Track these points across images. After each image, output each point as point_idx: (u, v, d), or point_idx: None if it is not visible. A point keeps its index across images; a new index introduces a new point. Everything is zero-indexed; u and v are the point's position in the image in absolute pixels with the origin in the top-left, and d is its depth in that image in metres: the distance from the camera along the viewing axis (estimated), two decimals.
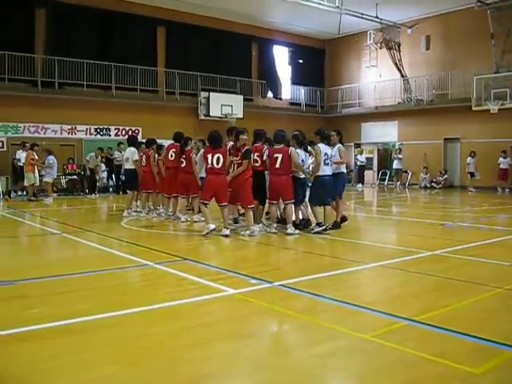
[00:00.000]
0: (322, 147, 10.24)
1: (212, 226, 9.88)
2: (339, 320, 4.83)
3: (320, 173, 10.20)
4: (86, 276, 6.71)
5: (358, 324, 4.72)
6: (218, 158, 9.81)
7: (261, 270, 6.99)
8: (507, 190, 22.95)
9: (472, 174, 24.11)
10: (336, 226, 10.80)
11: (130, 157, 13.26)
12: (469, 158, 24.22)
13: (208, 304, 5.36)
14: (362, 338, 4.30)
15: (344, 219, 11.22)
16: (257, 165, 10.48)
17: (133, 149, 13.35)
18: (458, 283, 6.27)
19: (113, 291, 5.99)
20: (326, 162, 10.23)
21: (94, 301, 5.55)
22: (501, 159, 23.17)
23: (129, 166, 13.40)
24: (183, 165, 11.98)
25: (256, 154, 10.49)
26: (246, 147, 10.37)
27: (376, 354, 4.06)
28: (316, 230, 10.35)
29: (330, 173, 10.34)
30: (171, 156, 12.37)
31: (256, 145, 10.65)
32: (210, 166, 9.87)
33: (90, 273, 6.86)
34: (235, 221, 11.49)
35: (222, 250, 9.10)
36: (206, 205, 10.01)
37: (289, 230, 10.17)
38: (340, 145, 10.84)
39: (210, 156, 9.86)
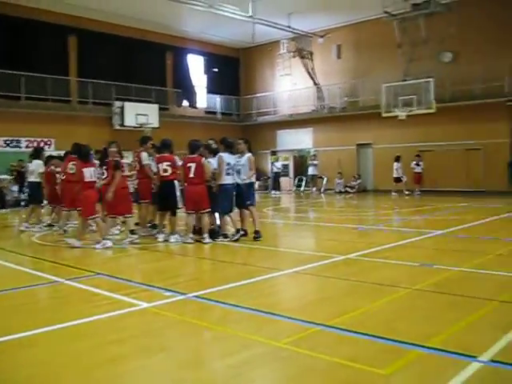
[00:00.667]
0: (226, 156, 10.34)
1: (109, 244, 9.90)
2: (254, 329, 4.84)
3: (222, 182, 10.30)
4: None
5: (273, 332, 4.74)
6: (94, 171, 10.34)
7: (175, 281, 6.92)
8: (418, 192, 23.74)
9: (398, 179, 23.96)
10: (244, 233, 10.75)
11: (35, 169, 12.85)
12: (395, 164, 24.06)
13: (121, 319, 5.24)
14: (276, 346, 4.33)
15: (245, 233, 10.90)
16: (166, 174, 10.46)
17: (38, 161, 12.93)
18: (369, 286, 6.44)
19: (24, 310, 5.76)
20: (228, 171, 10.34)
21: (5, 321, 5.34)
22: (414, 163, 23.90)
23: (33, 178, 12.97)
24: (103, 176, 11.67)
25: (165, 164, 10.45)
26: (116, 159, 10.51)
27: (290, 361, 4.10)
28: (233, 238, 10.44)
29: (232, 182, 10.45)
30: (71, 169, 11.73)
31: (164, 154, 10.62)
32: (88, 179, 10.12)
33: None
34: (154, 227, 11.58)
35: (136, 263, 8.93)
36: (97, 218, 10.21)
37: (206, 240, 10.15)
38: (249, 154, 10.85)
39: (85, 170, 10.12)
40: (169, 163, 10.47)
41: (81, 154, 10.40)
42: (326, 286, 6.64)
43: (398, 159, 24.13)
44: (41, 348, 4.52)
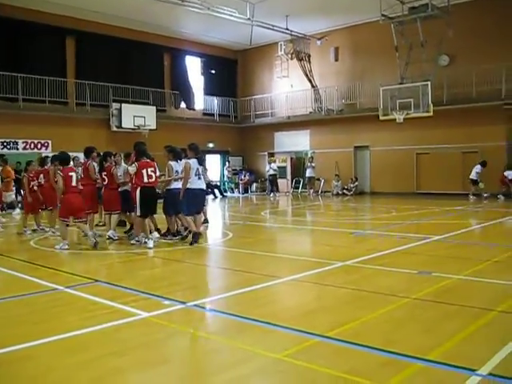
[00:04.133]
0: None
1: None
2: (253, 340, 4.84)
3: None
4: None
5: (272, 343, 4.74)
6: None
7: (174, 289, 6.92)
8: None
9: (476, 182, 22.46)
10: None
11: None
12: (478, 167, 22.31)
13: (120, 330, 5.22)
14: (275, 359, 4.33)
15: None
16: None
17: None
18: (368, 295, 6.45)
19: (21, 320, 5.73)
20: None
21: (1, 332, 5.30)
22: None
23: None
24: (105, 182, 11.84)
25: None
26: None
27: (289, 374, 4.11)
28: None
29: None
30: None
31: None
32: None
33: None
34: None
35: (133, 269, 8.88)
36: None
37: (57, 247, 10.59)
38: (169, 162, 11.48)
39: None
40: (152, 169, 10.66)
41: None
42: (325, 295, 6.65)
43: (484, 164, 22.30)
44: (38, 361, 4.47)
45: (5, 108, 22.41)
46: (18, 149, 22.78)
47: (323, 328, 5.05)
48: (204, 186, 11.21)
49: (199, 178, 10.88)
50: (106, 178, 11.72)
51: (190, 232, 11.13)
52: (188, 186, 10.73)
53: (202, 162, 11.21)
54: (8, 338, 5.05)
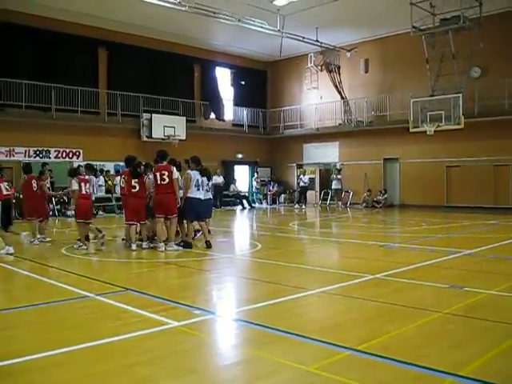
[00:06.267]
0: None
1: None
2: (283, 352, 4.81)
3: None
4: (22, 311, 6.48)
5: (302, 356, 4.71)
6: None
7: (203, 299, 6.94)
8: None
9: None
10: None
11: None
12: None
13: (151, 338, 5.25)
14: (305, 371, 4.30)
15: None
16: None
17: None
18: (398, 308, 6.38)
19: (53, 327, 5.79)
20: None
21: (33, 338, 5.36)
22: None
23: None
24: (135, 190, 11.83)
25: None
26: None
27: None
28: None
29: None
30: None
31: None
32: None
33: (27, 307, 6.65)
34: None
35: (163, 278, 8.97)
36: None
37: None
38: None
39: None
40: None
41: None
42: (355, 308, 6.59)
43: None
44: (68, 368, 4.49)
45: (38, 117, 22.85)
46: (50, 157, 23.13)
47: (353, 341, 5.01)
48: (202, 196, 11.85)
49: (198, 189, 11.70)
50: (136, 185, 11.78)
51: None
52: (188, 195, 11.61)
53: (204, 174, 11.93)
54: (40, 344, 5.11)
